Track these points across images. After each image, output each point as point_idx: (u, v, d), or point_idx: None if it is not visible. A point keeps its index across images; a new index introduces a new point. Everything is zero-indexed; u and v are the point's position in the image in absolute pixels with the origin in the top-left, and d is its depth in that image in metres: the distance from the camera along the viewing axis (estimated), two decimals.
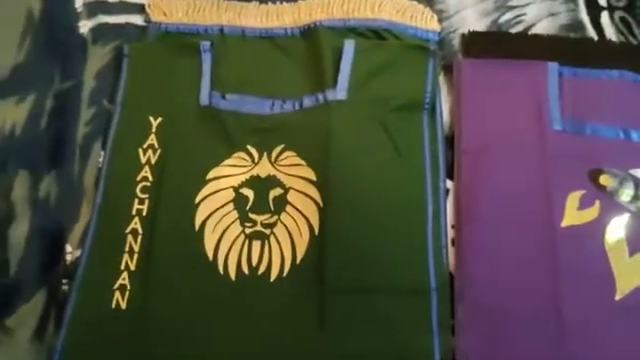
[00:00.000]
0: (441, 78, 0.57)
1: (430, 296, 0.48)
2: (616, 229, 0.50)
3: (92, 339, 0.47)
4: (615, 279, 0.48)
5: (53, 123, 0.55)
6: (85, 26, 0.60)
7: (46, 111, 0.56)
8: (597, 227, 0.50)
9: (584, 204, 0.51)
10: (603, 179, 0.51)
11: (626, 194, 0.51)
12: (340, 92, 0.53)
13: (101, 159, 0.54)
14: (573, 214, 0.50)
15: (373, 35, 0.57)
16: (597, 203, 0.51)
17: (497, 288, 0.48)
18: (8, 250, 0.50)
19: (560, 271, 0.48)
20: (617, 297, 0.48)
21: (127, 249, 0.50)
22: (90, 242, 0.50)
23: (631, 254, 0.49)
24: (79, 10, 0.60)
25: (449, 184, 0.53)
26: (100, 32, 0.59)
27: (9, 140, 0.54)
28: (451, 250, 0.51)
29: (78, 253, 0.51)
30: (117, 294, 0.48)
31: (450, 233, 0.51)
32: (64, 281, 0.50)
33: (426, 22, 0.58)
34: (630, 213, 0.50)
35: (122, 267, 0.49)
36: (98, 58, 0.58)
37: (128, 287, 0.48)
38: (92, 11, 0.60)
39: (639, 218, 0.50)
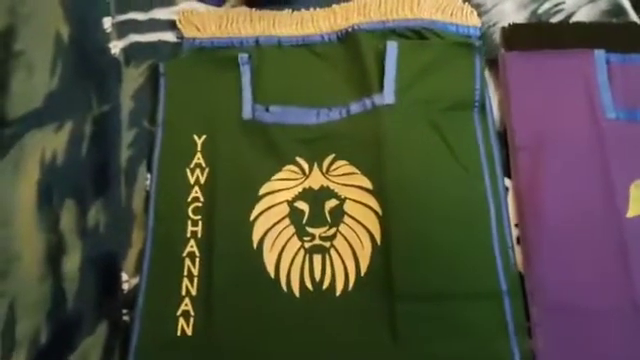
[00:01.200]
0: (488, 74, 0.56)
1: (502, 299, 0.46)
2: None
3: None
4: None
5: (94, 148, 0.54)
6: (116, 47, 0.58)
7: (86, 137, 0.54)
8: None
9: None
10: None
11: None
12: (388, 96, 0.52)
13: (148, 182, 0.53)
14: (638, 204, 0.49)
15: (414, 35, 0.56)
16: None
17: (569, 286, 0.47)
18: (63, 283, 0.49)
19: (631, 263, 0.47)
20: None
21: (186, 273, 0.48)
22: (147, 269, 0.49)
23: None
24: (108, 31, 0.59)
25: (507, 182, 0.52)
26: (132, 52, 0.58)
27: (51, 169, 0.53)
28: (517, 250, 0.49)
29: (135, 281, 0.49)
30: (181, 320, 0.47)
31: (514, 232, 0.50)
32: (124, 311, 0.49)
33: (466, 18, 0.56)
34: None
35: (183, 292, 0.48)
36: (133, 79, 0.57)
37: (192, 313, 0.47)
38: (122, 31, 0.59)
39: None
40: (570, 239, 0.48)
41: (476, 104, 0.53)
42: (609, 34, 0.56)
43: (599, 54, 0.54)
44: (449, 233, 0.48)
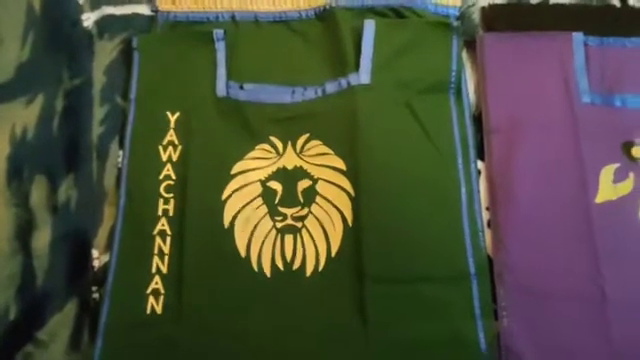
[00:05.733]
0: (464, 55, 0.56)
1: (470, 281, 0.47)
2: None
3: (130, 346, 0.46)
4: None
5: (66, 124, 0.53)
6: (89, 19, 0.57)
7: (57, 111, 0.53)
8: (632, 200, 0.49)
9: (618, 178, 0.50)
10: (635, 151, 0.51)
11: None
12: (364, 76, 0.52)
13: (120, 159, 0.52)
14: (607, 189, 0.50)
15: (392, 13, 0.55)
16: (631, 176, 0.50)
17: (536, 269, 0.48)
18: (33, 260, 0.48)
19: (599, 248, 0.48)
20: None
21: (157, 251, 0.48)
22: (117, 246, 0.49)
23: None
24: (81, 2, 0.57)
25: (480, 165, 0.52)
26: (106, 25, 0.57)
27: (22, 144, 0.52)
28: (487, 233, 0.50)
29: (105, 258, 0.49)
30: (151, 299, 0.47)
31: (485, 215, 0.50)
32: (94, 288, 0.49)
33: None
34: None
35: (154, 270, 0.48)
36: (106, 52, 0.56)
37: (162, 291, 0.47)
38: (95, 3, 0.57)
39: None
40: (540, 223, 0.49)
41: (452, 86, 0.53)
42: (588, 16, 0.56)
43: (577, 37, 0.54)
44: (420, 215, 0.48)
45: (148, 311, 0.47)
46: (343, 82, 0.52)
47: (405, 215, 0.48)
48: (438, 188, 0.49)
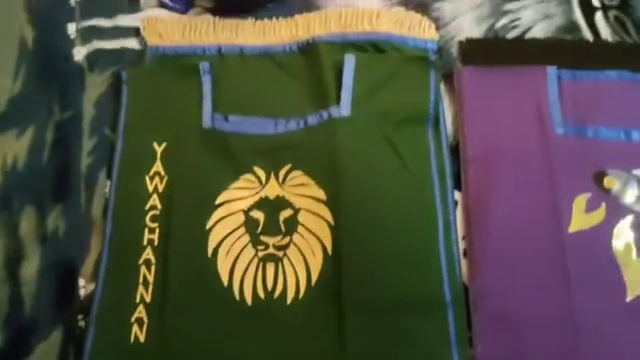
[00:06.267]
0: (442, 87, 0.57)
1: (446, 309, 0.48)
2: (623, 230, 0.51)
3: None
4: (625, 281, 0.49)
5: (55, 155, 0.55)
6: (80, 53, 0.59)
7: (47, 143, 0.55)
8: (604, 230, 0.51)
9: (590, 207, 0.51)
10: (607, 181, 0.52)
11: (631, 195, 0.52)
12: (344, 108, 0.54)
13: (107, 189, 0.54)
14: (580, 218, 0.51)
15: (372, 48, 0.57)
16: (603, 205, 0.51)
17: (510, 297, 0.49)
18: (20, 288, 0.50)
19: (571, 276, 0.49)
20: (628, 299, 0.49)
21: (141, 280, 0.49)
22: (103, 275, 0.50)
23: (639, 254, 0.50)
24: (72, 36, 0.59)
25: (457, 195, 0.54)
26: (96, 58, 0.59)
27: (12, 175, 0.54)
28: (463, 262, 0.51)
29: (92, 287, 0.51)
30: (135, 327, 0.48)
31: (461, 245, 0.52)
32: (80, 317, 0.50)
33: (424, 31, 0.58)
34: (636, 214, 0.51)
35: (138, 299, 0.49)
36: (96, 86, 0.58)
37: (145, 320, 0.48)
38: (86, 37, 0.59)
39: None
40: (514, 252, 0.50)
41: (430, 117, 0.54)
42: (562, 51, 0.58)
43: (551, 71, 0.56)
44: (398, 245, 0.50)
45: (132, 340, 0.48)
46: (324, 114, 0.54)
47: (383, 245, 0.50)
48: (416, 218, 0.51)
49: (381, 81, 0.55)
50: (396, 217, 0.50)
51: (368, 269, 0.49)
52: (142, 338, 0.48)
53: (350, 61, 0.55)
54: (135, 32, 0.60)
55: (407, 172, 0.52)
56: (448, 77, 0.58)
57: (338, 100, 0.54)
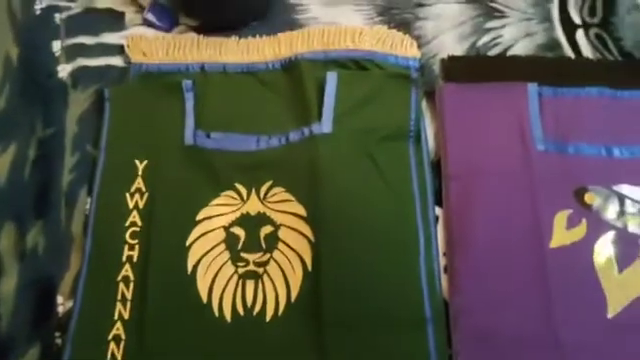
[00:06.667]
0: (424, 104, 0.58)
1: (426, 326, 0.48)
2: (604, 246, 0.51)
3: None
4: (606, 297, 0.49)
5: (37, 172, 0.55)
6: (64, 70, 0.59)
7: (29, 160, 0.55)
8: (585, 246, 0.51)
9: (571, 223, 0.51)
10: (588, 197, 0.52)
11: (611, 211, 0.52)
12: (325, 125, 0.54)
13: (88, 206, 0.54)
14: (561, 234, 0.51)
15: (355, 66, 0.57)
16: (584, 221, 0.51)
17: (490, 314, 0.49)
18: None
19: (552, 293, 0.49)
20: (609, 315, 0.48)
21: (120, 297, 0.49)
22: (81, 292, 0.49)
23: (620, 270, 0.50)
24: (57, 54, 0.60)
25: (438, 211, 0.53)
26: (80, 76, 0.59)
27: None
28: (444, 278, 0.51)
29: (70, 304, 0.50)
30: (112, 345, 0.48)
31: (442, 261, 0.51)
32: (57, 334, 0.49)
33: (406, 49, 0.58)
34: (616, 230, 0.51)
35: (116, 317, 0.48)
36: (79, 103, 0.58)
37: (123, 337, 0.48)
38: (71, 55, 0.60)
39: (626, 234, 0.51)
40: (495, 268, 0.50)
41: (411, 134, 0.55)
42: (543, 68, 0.59)
43: (532, 88, 0.56)
44: (378, 261, 0.49)
45: (108, 357, 0.47)
46: (306, 131, 0.54)
47: (363, 261, 0.49)
48: (396, 234, 0.51)
49: (363, 98, 0.55)
50: (376, 233, 0.50)
51: (348, 286, 0.48)
52: (119, 356, 0.47)
53: (332, 78, 0.55)
54: (119, 50, 0.60)
55: (388, 188, 0.52)
56: (430, 94, 0.58)
57: (320, 117, 0.54)
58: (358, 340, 0.47)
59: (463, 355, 0.47)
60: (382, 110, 0.55)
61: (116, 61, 0.60)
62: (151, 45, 0.59)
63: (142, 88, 0.58)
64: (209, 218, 0.52)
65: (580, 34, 0.61)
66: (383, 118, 0.55)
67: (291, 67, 0.58)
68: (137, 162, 0.54)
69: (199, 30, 0.61)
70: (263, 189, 0.53)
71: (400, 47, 0.58)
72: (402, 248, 0.50)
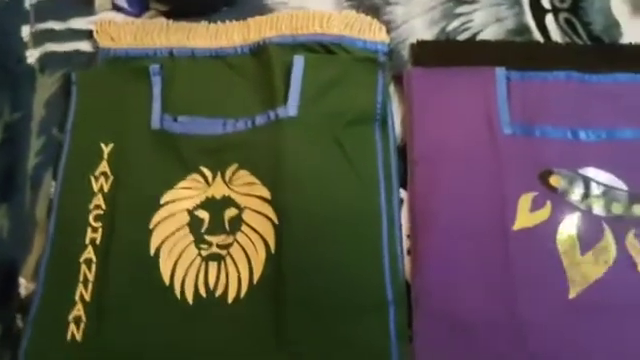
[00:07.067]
0: (392, 89, 0.58)
1: (388, 308, 0.48)
2: (567, 228, 0.50)
3: None
4: (568, 278, 0.49)
5: (3, 155, 0.55)
6: (32, 55, 0.59)
7: None
8: (549, 228, 0.50)
9: (535, 206, 0.51)
10: (553, 180, 0.52)
11: (576, 193, 0.52)
12: (291, 108, 0.54)
13: (52, 189, 0.53)
14: (525, 216, 0.51)
15: (323, 50, 0.57)
16: (548, 204, 0.51)
17: (453, 295, 0.49)
18: None
19: (514, 274, 0.48)
20: (570, 296, 0.48)
21: (82, 279, 0.49)
22: (44, 274, 0.49)
23: (583, 252, 0.50)
24: (26, 39, 0.60)
25: (403, 194, 0.53)
26: (48, 60, 0.59)
27: None
28: (407, 260, 0.51)
29: (32, 287, 0.50)
30: (72, 326, 0.47)
31: (406, 243, 0.51)
32: (18, 316, 0.49)
33: (374, 34, 0.58)
34: (581, 212, 0.51)
35: (77, 298, 0.48)
36: (46, 87, 0.58)
37: (83, 318, 0.48)
38: (39, 40, 0.60)
39: (590, 217, 0.51)
40: (457, 249, 0.50)
41: (377, 118, 0.54)
42: (511, 52, 0.58)
43: (500, 72, 0.56)
44: (341, 244, 0.49)
45: (68, 338, 0.47)
46: (271, 114, 0.54)
47: (326, 243, 0.49)
48: (360, 216, 0.51)
49: (329, 82, 0.55)
50: (340, 216, 0.50)
51: (310, 268, 0.48)
52: (79, 337, 0.47)
53: (299, 62, 0.55)
54: (88, 35, 0.60)
55: (352, 172, 0.52)
56: (399, 78, 0.58)
57: (286, 100, 0.54)
58: (319, 322, 0.47)
59: (422, 335, 0.47)
60: (348, 94, 0.55)
61: (84, 46, 0.60)
62: (119, 30, 0.59)
63: (109, 72, 0.57)
64: (173, 201, 0.52)
65: (550, 19, 0.61)
66: (349, 102, 0.54)
67: (259, 51, 0.57)
68: (103, 146, 0.54)
69: (169, 15, 0.61)
70: (228, 172, 0.53)
71: (369, 32, 0.58)
72: (365, 231, 0.50)
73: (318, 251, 0.49)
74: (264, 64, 0.56)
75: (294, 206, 0.50)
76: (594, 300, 0.48)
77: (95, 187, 0.52)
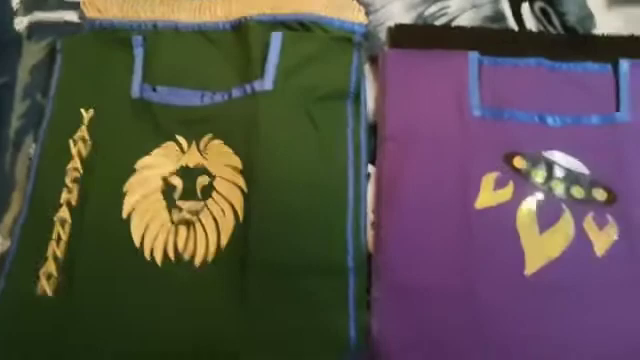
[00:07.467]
0: (368, 69, 0.59)
1: (348, 275, 0.49)
2: (527, 208, 0.52)
3: (19, 326, 0.48)
4: (525, 255, 0.50)
5: None
6: (21, 23, 0.61)
7: None
8: (510, 207, 0.52)
9: (498, 185, 0.53)
10: (517, 161, 0.54)
11: (539, 175, 0.53)
12: (267, 82, 0.55)
13: (32, 150, 0.55)
14: (487, 195, 0.52)
15: (301, 28, 0.59)
16: (511, 184, 0.53)
17: (414, 268, 0.50)
18: None
19: (473, 250, 0.50)
20: (527, 273, 0.50)
21: (55, 237, 0.51)
22: (19, 231, 0.51)
23: (541, 231, 0.51)
24: (15, 7, 0.61)
25: (371, 169, 0.55)
26: (36, 29, 0.61)
27: None
28: (371, 233, 0.52)
29: (8, 244, 0.52)
30: (43, 281, 0.49)
31: (371, 216, 0.53)
32: None
33: (353, 15, 0.60)
34: (542, 193, 0.53)
35: (49, 254, 0.50)
36: (33, 54, 0.60)
37: (54, 274, 0.49)
38: (28, 8, 0.62)
39: (550, 198, 0.52)
40: (421, 224, 0.51)
41: (350, 95, 0.56)
42: (485, 38, 0.60)
43: (472, 56, 0.58)
44: (306, 212, 0.51)
45: (39, 292, 0.49)
46: (248, 88, 0.55)
47: (292, 212, 0.51)
48: (326, 187, 0.52)
49: (305, 58, 0.56)
50: (307, 186, 0.52)
51: (275, 233, 0.50)
52: (49, 292, 0.49)
53: (277, 38, 0.57)
54: (76, 5, 0.62)
55: (322, 144, 0.54)
56: (375, 59, 0.59)
57: (263, 75, 0.56)
58: (280, 284, 0.49)
59: (380, 303, 0.49)
60: (323, 70, 0.56)
61: (72, 16, 0.62)
62: (106, 2, 0.61)
63: (94, 42, 0.59)
64: (148, 167, 0.54)
65: (525, 7, 0.62)
66: (324, 78, 0.56)
67: (240, 28, 0.59)
68: (83, 111, 0.56)
69: None
70: (203, 142, 0.55)
71: (347, 12, 0.60)
72: (331, 201, 0.52)
73: (284, 218, 0.51)
74: (243, 40, 0.58)
75: (264, 175, 0.52)
76: (550, 279, 0.50)
77: (73, 150, 0.54)
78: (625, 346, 0.47)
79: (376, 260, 0.51)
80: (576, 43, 0.60)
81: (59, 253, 0.50)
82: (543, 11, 0.62)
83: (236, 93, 0.56)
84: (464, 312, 0.49)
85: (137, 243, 0.51)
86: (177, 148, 0.55)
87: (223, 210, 0.52)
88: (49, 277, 0.49)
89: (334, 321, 0.48)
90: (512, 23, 0.62)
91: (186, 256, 0.51)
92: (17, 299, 0.49)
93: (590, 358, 0.47)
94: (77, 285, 0.49)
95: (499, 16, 0.62)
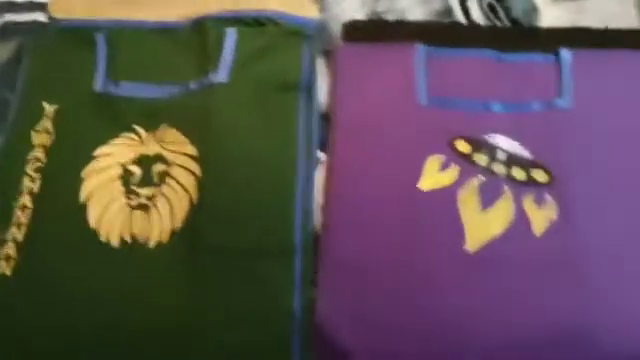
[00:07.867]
0: (322, 62, 0.62)
1: (294, 255, 0.51)
2: (470, 187, 0.54)
3: None
4: (466, 234, 0.52)
5: None
6: None
7: None
8: (453, 188, 0.54)
9: (442, 168, 0.55)
10: (461, 145, 0.56)
11: (482, 159, 0.55)
12: (221, 75, 0.58)
13: None
14: (432, 177, 0.55)
15: (256, 24, 0.62)
16: (455, 166, 0.55)
17: (359, 247, 0.52)
18: None
19: (414, 228, 0.52)
20: (468, 249, 0.51)
21: (15, 222, 0.53)
22: None
23: (483, 209, 0.53)
24: None
25: (322, 155, 0.57)
26: (6, 30, 0.64)
27: None
28: (319, 214, 0.55)
29: None
30: (3, 262, 0.52)
31: (319, 200, 0.55)
32: None
33: (305, 10, 0.63)
34: (485, 175, 0.55)
35: (9, 238, 0.52)
36: (2, 53, 0.63)
37: (13, 256, 0.52)
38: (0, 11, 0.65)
39: (492, 180, 0.54)
40: (367, 207, 0.54)
41: (302, 86, 0.59)
42: (434, 31, 0.62)
43: (421, 47, 0.60)
44: (256, 195, 0.53)
45: None
46: (205, 80, 0.58)
47: (242, 196, 0.53)
48: (276, 172, 0.55)
49: (258, 52, 0.59)
50: (257, 171, 0.54)
51: (226, 216, 0.52)
52: (8, 272, 0.51)
53: (231, 33, 0.60)
54: (45, 6, 0.65)
55: (273, 132, 0.56)
56: (329, 53, 0.62)
57: (218, 68, 0.58)
58: (229, 265, 0.51)
59: (326, 281, 0.51)
60: (276, 63, 0.59)
61: (41, 17, 0.65)
62: (73, 2, 0.64)
63: (59, 40, 0.62)
64: (107, 155, 0.56)
65: (473, 2, 0.65)
66: (276, 70, 0.59)
67: (200, 25, 0.62)
68: (47, 105, 0.59)
69: None
70: (160, 131, 0.57)
71: (300, 8, 0.63)
72: (280, 184, 0.54)
73: (234, 201, 0.53)
74: (202, 35, 0.61)
75: (217, 162, 0.54)
76: (491, 256, 0.52)
77: (35, 141, 0.57)
78: (549, 324, 0.49)
79: (322, 239, 0.53)
80: (522, 35, 0.63)
81: (19, 236, 0.53)
82: (490, 6, 0.65)
83: (193, 86, 0.59)
84: (401, 284, 0.50)
85: (93, 226, 0.53)
86: (136, 137, 0.57)
87: (178, 195, 0.54)
88: (8, 258, 0.52)
89: (279, 300, 0.50)
90: (460, 17, 0.64)
91: (141, 239, 0.53)
92: None
93: (511, 331, 0.49)
94: (34, 265, 0.51)
95: (448, 11, 0.65)
